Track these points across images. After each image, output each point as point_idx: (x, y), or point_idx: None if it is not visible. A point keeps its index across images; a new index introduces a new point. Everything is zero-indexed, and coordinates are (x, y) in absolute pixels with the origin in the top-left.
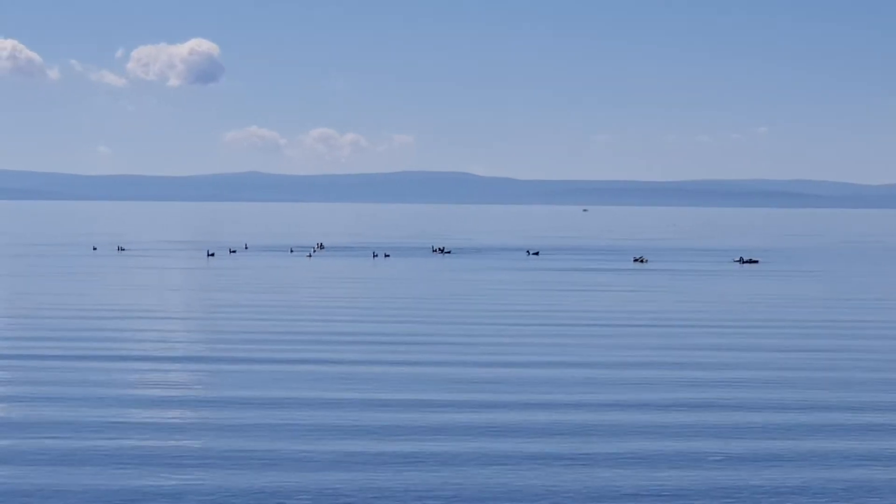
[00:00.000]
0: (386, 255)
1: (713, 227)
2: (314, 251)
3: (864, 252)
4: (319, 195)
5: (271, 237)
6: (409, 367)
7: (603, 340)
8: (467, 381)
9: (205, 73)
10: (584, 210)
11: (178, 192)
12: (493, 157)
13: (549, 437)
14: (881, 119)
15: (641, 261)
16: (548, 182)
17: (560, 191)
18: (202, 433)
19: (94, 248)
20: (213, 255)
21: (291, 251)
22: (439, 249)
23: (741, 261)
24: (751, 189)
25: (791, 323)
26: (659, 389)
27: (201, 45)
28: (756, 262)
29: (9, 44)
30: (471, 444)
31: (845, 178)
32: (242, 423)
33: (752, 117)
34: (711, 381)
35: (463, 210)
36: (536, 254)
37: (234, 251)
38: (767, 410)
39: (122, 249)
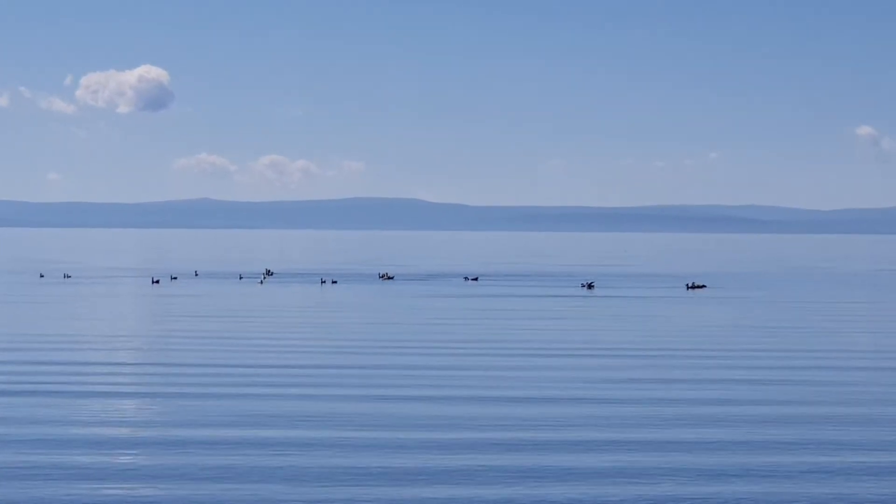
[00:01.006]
0: (333, 282)
1: (666, 252)
2: (264, 278)
3: (810, 277)
4: (270, 222)
5: (221, 264)
6: (350, 403)
7: (545, 373)
8: (406, 417)
9: (154, 99)
10: None
11: (129, 219)
12: (443, 184)
13: (494, 482)
14: (831, 145)
15: (590, 286)
16: (500, 208)
17: (513, 217)
18: (149, 475)
19: (41, 276)
20: (157, 282)
21: (241, 278)
22: (385, 276)
23: (691, 286)
24: (705, 214)
25: (734, 351)
26: (602, 426)
27: (150, 72)
28: (703, 286)
29: None
30: (411, 490)
31: (796, 203)
32: (188, 464)
33: (703, 142)
34: (657, 417)
35: (411, 236)
36: (475, 279)
37: (175, 278)
38: (712, 449)
39: (68, 277)
